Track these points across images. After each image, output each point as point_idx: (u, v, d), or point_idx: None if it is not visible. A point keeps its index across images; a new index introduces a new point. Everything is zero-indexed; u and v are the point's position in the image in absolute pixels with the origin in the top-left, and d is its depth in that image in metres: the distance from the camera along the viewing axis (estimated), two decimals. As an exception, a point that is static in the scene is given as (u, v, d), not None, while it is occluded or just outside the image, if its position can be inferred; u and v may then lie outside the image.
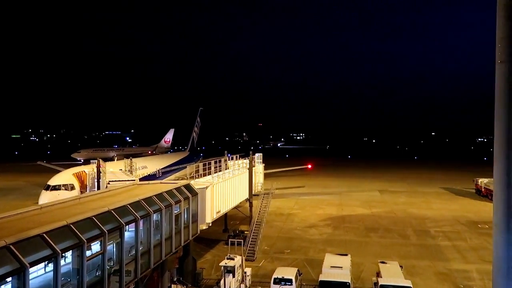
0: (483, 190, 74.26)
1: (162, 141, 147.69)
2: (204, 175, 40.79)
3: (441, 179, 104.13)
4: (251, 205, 47.24)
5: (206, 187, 35.72)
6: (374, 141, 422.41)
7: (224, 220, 48.84)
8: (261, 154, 58.43)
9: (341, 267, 30.57)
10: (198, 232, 33.54)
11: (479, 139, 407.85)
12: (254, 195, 49.85)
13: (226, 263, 31.53)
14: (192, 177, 41.11)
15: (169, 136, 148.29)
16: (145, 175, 57.42)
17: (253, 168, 49.80)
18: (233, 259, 32.18)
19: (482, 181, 75.67)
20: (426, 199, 72.93)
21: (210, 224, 36.81)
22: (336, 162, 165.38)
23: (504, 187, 5.17)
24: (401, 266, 32.15)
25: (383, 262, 32.53)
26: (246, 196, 48.43)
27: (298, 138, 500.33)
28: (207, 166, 41.25)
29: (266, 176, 65.06)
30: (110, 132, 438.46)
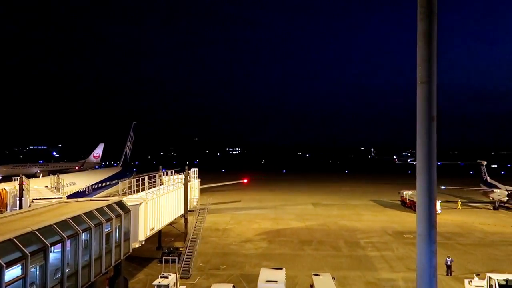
0: (407, 201, 78.82)
1: (91, 156, 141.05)
2: (138, 191, 39.54)
3: (370, 191, 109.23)
4: (186, 221, 46.39)
5: (140, 204, 34.59)
6: (307, 155, 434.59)
7: (158, 237, 47.47)
8: (197, 169, 57.83)
9: (276, 281, 30.82)
10: (131, 250, 32.27)
11: (404, 154, 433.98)
12: (190, 210, 49.05)
13: (159, 282, 30.58)
14: (124, 194, 39.65)
15: (98, 151, 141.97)
16: (73, 192, 54.49)
17: (189, 183, 49.08)
18: (167, 277, 31.30)
19: (407, 193, 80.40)
20: (356, 211, 75.93)
21: (144, 242, 35.59)
22: (271, 176, 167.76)
23: (426, 199, 5.53)
24: (333, 278, 33.07)
25: (316, 275, 33.26)
26: (181, 212, 47.54)
27: (234, 152, 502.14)
28: (140, 182, 40.03)
29: (202, 191, 64.38)
30: (35, 147, 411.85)
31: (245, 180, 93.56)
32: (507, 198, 77.52)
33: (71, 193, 52.41)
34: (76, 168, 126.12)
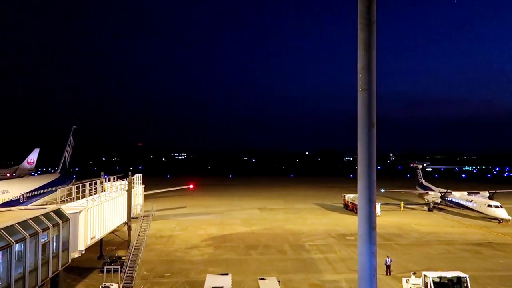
0: (349, 204, 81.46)
1: (25, 162, 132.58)
2: (78, 198, 37.82)
3: (315, 195, 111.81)
4: (129, 229, 44.98)
5: (79, 212, 33.10)
6: (253, 160, 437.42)
7: (100, 246, 45.63)
8: (141, 175, 56.36)
9: (222, 287, 30.63)
10: (69, 261, 30.77)
11: (346, 158, 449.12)
12: (133, 218, 47.63)
13: (101, 293, 29.35)
14: (63, 201, 37.77)
15: (33, 157, 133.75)
16: (6, 200, 51.06)
17: (132, 189, 47.69)
18: (109, 287, 30.12)
19: (349, 196, 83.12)
20: (301, 215, 77.33)
21: (84, 252, 34.07)
22: (217, 181, 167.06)
23: (366, 201, 5.74)
24: (279, 281, 33.39)
25: (262, 279, 33.43)
26: (125, 219, 46.05)
27: (180, 158, 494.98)
28: (80, 189, 38.34)
29: (147, 197, 62.79)
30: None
31: (191, 186, 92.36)
32: (440, 200, 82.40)
33: (3, 201, 49.10)
34: (8, 175, 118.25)
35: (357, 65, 6.01)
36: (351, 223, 67.53)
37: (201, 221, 70.62)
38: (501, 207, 68.44)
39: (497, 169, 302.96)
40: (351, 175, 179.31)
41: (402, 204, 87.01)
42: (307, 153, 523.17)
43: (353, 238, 55.87)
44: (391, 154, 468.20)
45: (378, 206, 74.70)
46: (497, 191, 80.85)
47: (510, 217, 66.79)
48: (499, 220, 67.63)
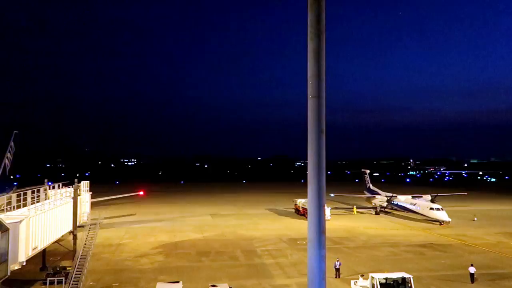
0: (301, 209, 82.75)
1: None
2: (19, 207, 35.80)
3: (267, 200, 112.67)
4: (75, 238, 43.10)
5: (20, 221, 31.32)
6: (206, 166, 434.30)
7: (43, 256, 43.35)
8: (88, 181, 54.33)
9: (174, 295, 30.07)
10: (8, 273, 29.00)
11: (298, 164, 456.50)
12: (79, 226, 45.76)
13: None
14: (2, 210, 35.62)
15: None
16: None
17: (78, 197, 45.82)
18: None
19: (300, 201, 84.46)
20: (253, 221, 77.59)
21: (25, 263, 32.25)
22: (169, 188, 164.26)
23: (316, 206, 5.87)
24: (230, 287, 33.27)
25: (213, 286, 33.16)
26: (70, 228, 44.13)
27: (130, 164, 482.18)
28: (22, 197, 36.32)
29: (94, 205, 60.59)
30: None
31: (141, 192, 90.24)
32: (387, 204, 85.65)
33: None
34: None
35: (307, 73, 6.15)
36: (302, 227, 68.56)
37: (151, 228, 69.05)
38: (442, 209, 72.15)
39: (439, 173, 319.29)
40: (302, 180, 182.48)
41: (355, 208, 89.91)
42: (259, 159, 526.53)
43: (304, 242, 56.71)
44: (411, 160, 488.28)
45: (327, 211, 76.48)
46: (438, 194, 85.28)
47: (450, 219, 70.53)
48: (440, 222, 71.21)
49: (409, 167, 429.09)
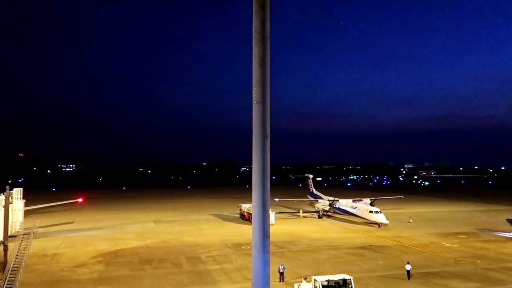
0: (246, 214, 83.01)
1: None
2: None
3: (212, 206, 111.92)
4: (6, 249, 40.47)
5: None
6: (149, 171, 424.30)
7: (-32, 270, 40.23)
8: (21, 188, 51.21)
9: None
10: None
11: (243, 169, 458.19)
12: (11, 236, 42.97)
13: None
14: None
15: None
16: None
17: (10, 205, 43.02)
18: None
19: (245, 206, 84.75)
20: (198, 227, 76.76)
21: None
22: (110, 194, 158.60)
23: (260, 211, 5.89)
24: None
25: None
26: (0, 238, 41.30)
27: (68, 169, 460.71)
28: None
29: (28, 213, 57.18)
30: None
31: (80, 200, 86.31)
32: (329, 207, 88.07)
33: None
34: None
35: (252, 78, 6.18)
36: (247, 232, 68.79)
37: (90, 236, 66.25)
38: (381, 212, 75.36)
39: (377, 178, 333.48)
40: (247, 185, 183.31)
41: (301, 212, 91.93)
42: (204, 164, 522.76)
43: (249, 247, 56.88)
44: (406, 166, 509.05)
45: (272, 215, 77.34)
46: (377, 198, 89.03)
47: (388, 222, 73.78)
48: (379, 225, 74.29)
49: (403, 173, 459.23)
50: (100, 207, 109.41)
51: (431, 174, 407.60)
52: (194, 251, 55.46)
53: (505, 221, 70.54)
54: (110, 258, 51.83)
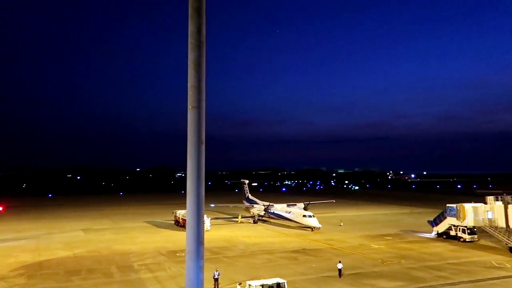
0: (181, 221, 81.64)
1: None
2: None
3: (145, 213, 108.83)
4: None
5: None
6: (78, 178, 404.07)
7: None
8: None
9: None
10: None
11: (178, 174, 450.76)
12: None
13: None
14: None
15: None
16: None
17: None
18: None
19: (180, 212, 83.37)
20: (130, 234, 74.26)
21: None
22: (34, 202, 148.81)
23: (195, 217, 5.84)
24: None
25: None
26: None
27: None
28: None
29: None
30: None
31: (0, 208, 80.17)
32: (264, 212, 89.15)
33: None
34: None
35: (187, 83, 6.14)
36: (182, 239, 67.65)
37: (11, 247, 61.68)
38: (314, 216, 77.56)
39: (311, 182, 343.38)
40: (183, 191, 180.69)
41: (240, 217, 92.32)
42: (138, 170, 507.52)
43: (184, 254, 55.85)
44: (390, 171, 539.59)
45: (207, 221, 76.82)
46: (310, 202, 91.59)
47: (320, 225, 76.09)
48: (312, 228, 76.40)
49: (389, 177, 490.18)
50: (22, 216, 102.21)
51: (411, 178, 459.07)
52: (126, 260, 53.54)
53: (427, 222, 75.56)
54: (33, 270, 48.55)
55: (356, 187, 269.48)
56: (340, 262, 46.04)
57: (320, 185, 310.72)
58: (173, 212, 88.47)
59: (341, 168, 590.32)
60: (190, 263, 6.05)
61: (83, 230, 79.99)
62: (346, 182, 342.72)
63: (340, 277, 44.06)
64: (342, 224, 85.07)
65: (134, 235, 73.53)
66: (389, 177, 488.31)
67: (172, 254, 56.99)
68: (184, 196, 6.14)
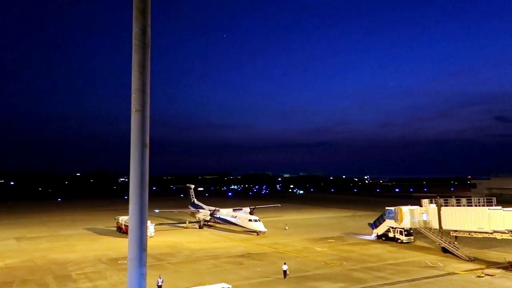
0: (123, 227, 79.11)
1: None
2: None
3: (85, 219, 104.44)
4: None
5: None
6: (12, 183, 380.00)
7: None
8: None
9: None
10: None
11: (121, 179, 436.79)
12: None
13: None
14: None
15: None
16: None
17: None
18: None
19: (122, 218, 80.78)
20: (69, 242, 70.92)
21: None
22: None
23: (137, 223, 5.68)
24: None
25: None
26: None
27: None
28: None
29: None
30: None
31: None
32: (210, 217, 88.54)
33: None
34: None
35: (131, 86, 6.00)
36: (124, 246, 65.53)
37: None
38: (259, 220, 78.11)
39: (257, 187, 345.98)
40: (126, 197, 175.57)
41: (187, 222, 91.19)
42: (78, 174, 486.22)
43: (126, 261, 54.23)
44: (367, 176, 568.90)
45: (151, 227, 75.09)
46: (256, 206, 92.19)
47: (266, 229, 76.77)
48: (257, 233, 76.91)
49: (366, 181, 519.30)
50: None
51: (386, 182, 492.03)
52: (63, 269, 51.01)
53: (367, 225, 78.53)
54: (-41, 283, 45.02)
55: (301, 191, 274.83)
56: (285, 263, 47.07)
57: (266, 189, 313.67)
58: (115, 218, 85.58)
59: (286, 173, 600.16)
60: (132, 270, 5.88)
61: (16, 238, 75.31)
62: (292, 186, 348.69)
63: (285, 277, 45.05)
64: (287, 228, 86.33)
65: (73, 243, 70.30)
66: (366, 181, 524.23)
67: (114, 261, 55.07)
68: (127, 201, 5.97)
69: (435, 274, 47.55)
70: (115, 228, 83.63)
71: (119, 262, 54.78)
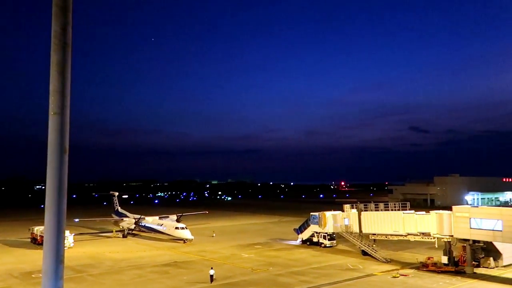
0: (38, 238, 73.79)
1: None
2: None
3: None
4: None
5: None
6: None
7: None
8: None
9: None
10: None
11: (38, 187, 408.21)
12: None
13: None
14: None
15: None
16: None
17: None
18: None
19: (38, 228, 75.34)
20: (-25, 256, 64.64)
21: None
22: None
23: (54, 233, 5.31)
24: None
25: None
26: None
27: None
28: None
29: None
30: None
31: None
32: (135, 226, 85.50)
33: None
34: None
35: (50, 87, 5.64)
36: (40, 258, 60.91)
37: None
38: (186, 228, 76.90)
39: (184, 194, 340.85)
40: (42, 205, 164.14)
41: (114, 230, 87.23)
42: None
43: (40, 275, 50.60)
44: (333, 182, 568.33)
45: (70, 237, 70.95)
46: (183, 214, 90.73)
47: (193, 237, 75.76)
48: (184, 240, 75.64)
49: (332, 187, 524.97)
50: None
51: (347, 186, 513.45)
52: (-33, 286, 46.41)
53: (293, 230, 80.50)
54: None
55: (229, 198, 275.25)
56: (212, 268, 47.40)
57: (193, 196, 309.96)
58: (29, 229, 79.49)
59: (214, 179, 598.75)
60: (46, 284, 5.50)
61: None
62: (220, 193, 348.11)
63: (211, 282, 45.00)
64: (214, 235, 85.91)
65: (-20, 257, 64.22)
66: (331, 187, 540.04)
67: (27, 275, 51.15)
68: (43, 210, 5.59)
69: (355, 276, 49.92)
70: (29, 240, 77.71)
71: (33, 275, 50.97)
